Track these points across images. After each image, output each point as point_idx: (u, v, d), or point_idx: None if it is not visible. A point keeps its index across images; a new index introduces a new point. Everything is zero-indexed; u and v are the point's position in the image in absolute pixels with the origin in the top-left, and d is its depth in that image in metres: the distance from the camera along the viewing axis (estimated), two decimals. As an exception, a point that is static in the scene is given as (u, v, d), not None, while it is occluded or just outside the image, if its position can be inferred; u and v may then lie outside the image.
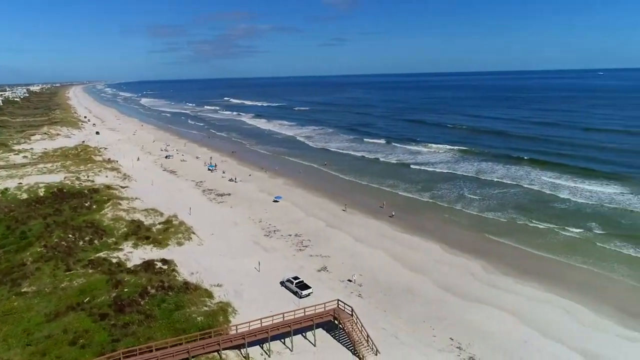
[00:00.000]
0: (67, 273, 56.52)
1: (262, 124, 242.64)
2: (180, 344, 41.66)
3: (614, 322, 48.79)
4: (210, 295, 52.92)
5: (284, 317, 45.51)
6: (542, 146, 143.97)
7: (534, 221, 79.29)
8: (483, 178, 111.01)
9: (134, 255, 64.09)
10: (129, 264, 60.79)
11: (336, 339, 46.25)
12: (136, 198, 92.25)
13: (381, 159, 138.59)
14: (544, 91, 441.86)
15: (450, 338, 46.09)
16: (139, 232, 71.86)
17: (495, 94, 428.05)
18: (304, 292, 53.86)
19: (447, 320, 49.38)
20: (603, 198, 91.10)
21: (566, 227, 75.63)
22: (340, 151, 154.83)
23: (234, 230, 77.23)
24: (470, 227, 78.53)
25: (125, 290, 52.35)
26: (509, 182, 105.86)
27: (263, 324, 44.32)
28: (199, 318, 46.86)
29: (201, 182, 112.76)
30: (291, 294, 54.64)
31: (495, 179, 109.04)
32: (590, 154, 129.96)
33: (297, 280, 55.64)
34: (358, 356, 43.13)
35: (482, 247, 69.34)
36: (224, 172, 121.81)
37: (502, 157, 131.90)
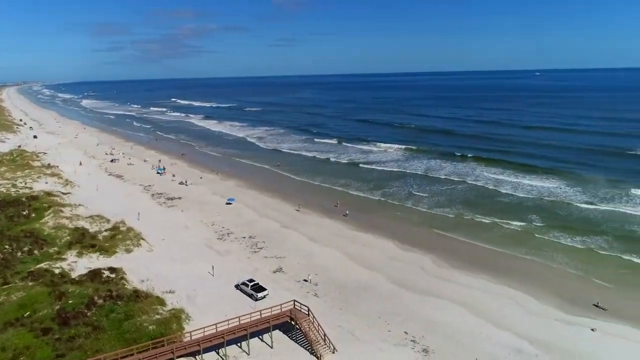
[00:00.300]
0: (4, 287, 53.05)
1: (212, 125, 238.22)
2: (132, 354, 40.16)
3: (555, 308, 51.77)
4: (162, 302, 51.39)
5: (239, 320, 44.92)
6: (485, 144, 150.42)
7: (479, 216, 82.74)
8: (431, 175, 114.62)
9: (78, 264, 61.13)
10: (74, 274, 57.91)
11: (293, 340, 46.21)
12: (80, 204, 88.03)
13: (333, 159, 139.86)
14: (486, 91, 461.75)
15: (405, 332, 47.23)
16: (83, 240, 68.63)
17: (440, 93, 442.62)
18: (260, 295, 53.44)
19: (402, 314, 50.58)
20: (542, 192, 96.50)
21: (509, 221, 79.48)
22: (293, 152, 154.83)
23: (185, 235, 75.36)
24: (421, 223, 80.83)
25: (70, 301, 49.82)
26: (455, 178, 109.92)
27: (218, 329, 43.55)
28: (150, 327, 45.36)
29: (150, 186, 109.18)
30: (247, 297, 54.04)
31: (443, 176, 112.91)
32: (529, 150, 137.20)
33: (252, 283, 55.10)
34: (315, 355, 43.30)
35: (433, 242, 71.59)
36: (173, 175, 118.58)
37: (449, 155, 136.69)
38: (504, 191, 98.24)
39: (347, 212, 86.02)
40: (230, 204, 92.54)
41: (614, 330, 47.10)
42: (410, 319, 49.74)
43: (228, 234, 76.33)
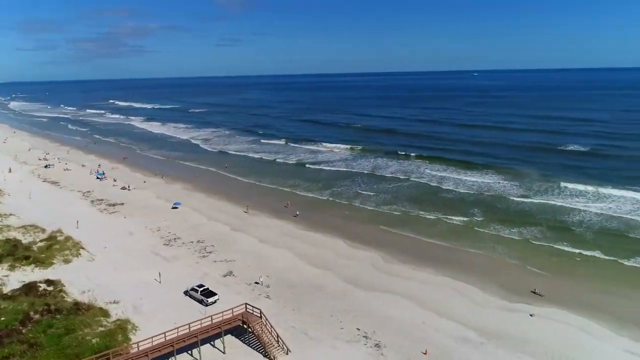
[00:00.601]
0: None
1: (154, 127, 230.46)
2: (74, 370, 38.06)
3: (497, 296, 54.50)
4: (105, 313, 49.10)
5: (189, 327, 43.79)
6: (427, 142, 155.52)
7: (424, 212, 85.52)
8: (378, 174, 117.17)
9: (11, 278, 57.09)
10: (6, 289, 54.05)
11: (246, 344, 45.66)
12: (11, 214, 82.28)
13: (281, 160, 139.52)
14: (427, 91, 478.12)
15: (357, 328, 47.97)
16: (16, 253, 64.11)
17: (385, 94, 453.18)
18: (210, 300, 52.36)
19: (353, 311, 51.31)
20: (482, 187, 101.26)
21: (452, 216, 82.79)
22: (240, 153, 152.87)
23: (129, 242, 72.41)
24: (369, 221, 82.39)
25: (2, 319, 46.49)
26: (401, 176, 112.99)
27: (167, 338, 42.20)
28: (94, 340, 43.27)
29: (89, 192, 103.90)
30: (197, 302, 52.77)
31: (389, 175, 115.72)
32: (468, 148, 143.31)
33: (202, 288, 53.88)
34: (269, 358, 43.01)
35: (381, 239, 73.18)
36: (115, 180, 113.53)
37: (394, 153, 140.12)
38: (446, 187, 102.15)
39: (298, 212, 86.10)
40: (176, 208, 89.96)
41: (551, 314, 50.23)
42: (361, 315, 50.57)
43: (175, 239, 74.15)
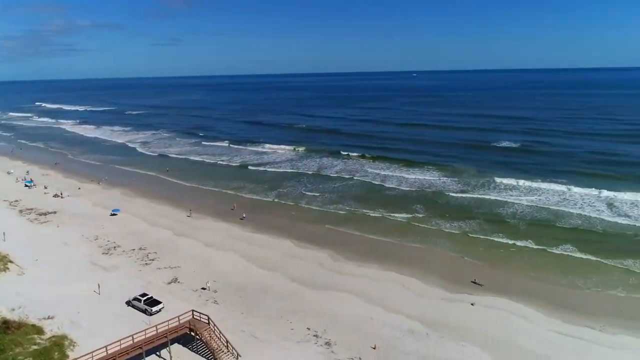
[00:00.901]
0: None
1: (88, 131, 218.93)
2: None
3: (440, 288, 56.73)
4: (39, 330, 46.05)
5: (133, 339, 42.11)
6: (369, 142, 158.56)
7: (369, 210, 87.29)
8: (323, 174, 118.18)
9: None
10: None
11: (194, 352, 44.56)
12: None
13: (225, 162, 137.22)
14: (369, 91, 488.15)
15: (307, 328, 48.17)
16: None
17: (327, 94, 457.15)
18: (155, 309, 50.58)
19: (303, 311, 51.48)
20: (424, 184, 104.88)
21: (396, 212, 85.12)
22: (182, 156, 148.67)
23: (64, 253, 68.30)
24: (316, 220, 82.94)
25: None
26: (345, 176, 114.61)
27: (109, 352, 40.33)
28: (26, 359, 40.40)
29: (17, 201, 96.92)
30: (141, 312, 50.76)
31: (333, 174, 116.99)
32: (409, 146, 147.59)
33: (145, 297, 51.94)
34: (219, 364, 42.22)
35: (328, 238, 73.91)
36: (46, 188, 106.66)
37: (337, 153, 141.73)
38: (389, 185, 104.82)
39: (244, 214, 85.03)
40: (115, 214, 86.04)
41: (490, 302, 52.97)
42: (311, 314, 50.84)
43: (115, 247, 70.87)
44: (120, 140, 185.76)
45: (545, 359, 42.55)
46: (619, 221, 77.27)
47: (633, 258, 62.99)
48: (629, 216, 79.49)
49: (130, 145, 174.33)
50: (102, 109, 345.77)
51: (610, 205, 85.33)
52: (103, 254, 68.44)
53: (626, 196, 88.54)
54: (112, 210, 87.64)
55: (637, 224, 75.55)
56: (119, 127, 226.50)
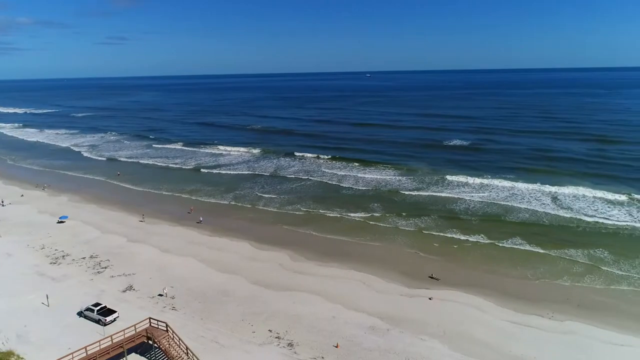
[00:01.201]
0: None
1: (29, 135, 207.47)
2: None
3: (399, 284, 57.98)
4: (-17, 347, 43.29)
5: (87, 351, 40.50)
6: (325, 142, 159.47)
7: (327, 210, 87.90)
8: (279, 175, 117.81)
9: None
10: None
11: (153, 360, 43.31)
12: None
13: (178, 165, 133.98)
14: (323, 91, 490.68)
15: (269, 330, 47.94)
16: None
17: (281, 94, 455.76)
18: (109, 318, 48.75)
19: (264, 313, 51.18)
20: (380, 183, 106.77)
21: (354, 212, 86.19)
22: (133, 160, 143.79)
23: (7, 264, 64.55)
24: (274, 222, 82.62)
25: None
26: (302, 177, 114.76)
27: (62, 365, 38.51)
28: (-30, 378, 37.94)
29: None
30: (94, 323, 48.74)
31: (290, 175, 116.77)
32: (364, 146, 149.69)
33: (98, 307, 49.95)
34: (179, 371, 41.24)
35: (287, 239, 73.80)
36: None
37: (293, 154, 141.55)
38: (346, 185, 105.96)
39: (201, 218, 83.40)
40: (63, 222, 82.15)
41: (446, 296, 54.72)
42: (273, 316, 50.64)
43: (63, 256, 67.63)
44: (66, 144, 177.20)
45: (499, 347, 44.46)
46: (563, 214, 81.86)
47: (576, 248, 67.01)
48: (571, 209, 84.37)
49: (77, 149, 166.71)
50: (45, 111, 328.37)
51: (554, 198, 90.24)
52: (51, 263, 65.15)
53: (568, 190, 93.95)
54: (60, 218, 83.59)
55: (578, 216, 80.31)
56: (65, 130, 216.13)
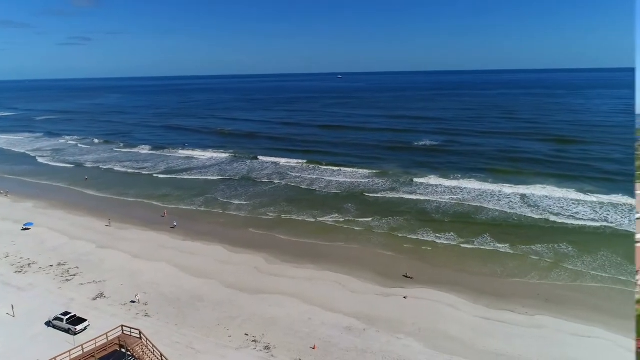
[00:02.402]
0: None
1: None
2: None
3: (374, 284, 58.61)
4: (-56, 361, 41.30)
5: (58, 361, 39.13)
6: (295, 145, 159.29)
7: (301, 213, 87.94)
8: (251, 178, 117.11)
9: None
10: None
11: (127, 368, 42.30)
12: None
13: (148, 170, 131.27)
14: (291, 92, 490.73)
15: (245, 334, 47.62)
16: None
17: (248, 96, 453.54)
18: (79, 327, 47.40)
19: (240, 317, 50.81)
20: (352, 185, 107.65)
21: (327, 214, 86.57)
22: (100, 165, 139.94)
23: (-32, 274, 61.69)
24: (248, 225, 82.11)
25: None
26: (274, 180, 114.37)
27: (31, 377, 37.17)
28: None
29: None
30: (64, 332, 47.26)
31: (262, 179, 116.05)
32: (335, 149, 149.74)
33: (68, 316, 48.51)
34: (155, 379, 40.47)
35: (262, 242, 73.55)
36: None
37: (264, 157, 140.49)
38: (318, 188, 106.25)
39: (175, 223, 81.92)
40: (28, 229, 79.25)
41: (420, 294, 55.68)
42: (249, 319, 50.33)
43: (29, 264, 65.23)
44: (28, 149, 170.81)
45: (473, 343, 45.59)
46: (530, 212, 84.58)
47: (542, 244, 69.43)
48: (538, 207, 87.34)
49: (40, 154, 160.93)
50: (3, 114, 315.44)
51: (522, 197, 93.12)
52: (16, 272, 62.74)
53: (534, 189, 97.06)
54: (24, 225, 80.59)
55: (545, 215, 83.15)
56: (27, 134, 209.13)
